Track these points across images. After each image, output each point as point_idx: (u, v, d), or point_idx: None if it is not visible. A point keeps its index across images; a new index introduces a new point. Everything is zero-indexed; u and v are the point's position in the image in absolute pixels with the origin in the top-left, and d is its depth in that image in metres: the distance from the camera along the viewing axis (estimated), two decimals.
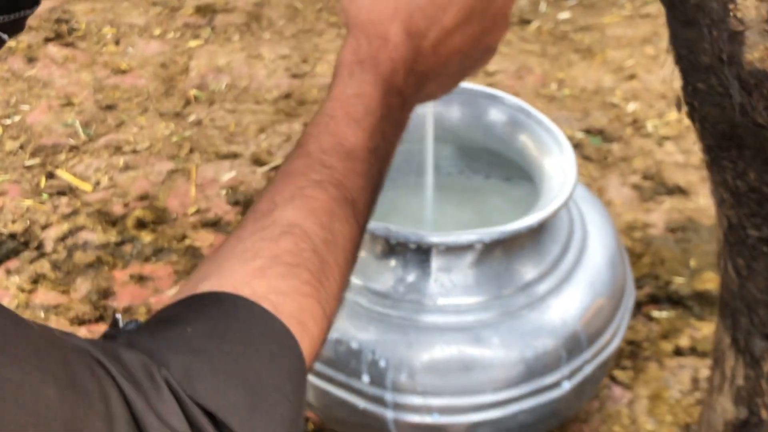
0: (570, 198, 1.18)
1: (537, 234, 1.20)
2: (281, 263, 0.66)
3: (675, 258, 1.61)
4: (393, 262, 1.18)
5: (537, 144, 1.27)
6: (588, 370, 1.19)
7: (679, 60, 0.81)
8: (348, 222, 0.73)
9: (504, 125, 1.30)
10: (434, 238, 1.13)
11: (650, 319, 1.51)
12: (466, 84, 1.31)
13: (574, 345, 1.18)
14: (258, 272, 0.65)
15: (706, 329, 1.48)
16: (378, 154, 0.78)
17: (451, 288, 1.17)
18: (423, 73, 0.82)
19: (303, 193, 0.71)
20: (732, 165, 0.83)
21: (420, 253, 1.16)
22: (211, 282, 0.64)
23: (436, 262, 1.17)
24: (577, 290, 1.21)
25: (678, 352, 1.46)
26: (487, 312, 1.16)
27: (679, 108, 0.87)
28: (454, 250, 1.15)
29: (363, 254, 1.19)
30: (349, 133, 0.76)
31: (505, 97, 1.29)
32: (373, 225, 1.13)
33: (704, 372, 1.42)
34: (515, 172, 1.36)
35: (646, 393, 1.40)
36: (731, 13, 0.71)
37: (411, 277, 1.18)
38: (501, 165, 1.39)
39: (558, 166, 1.22)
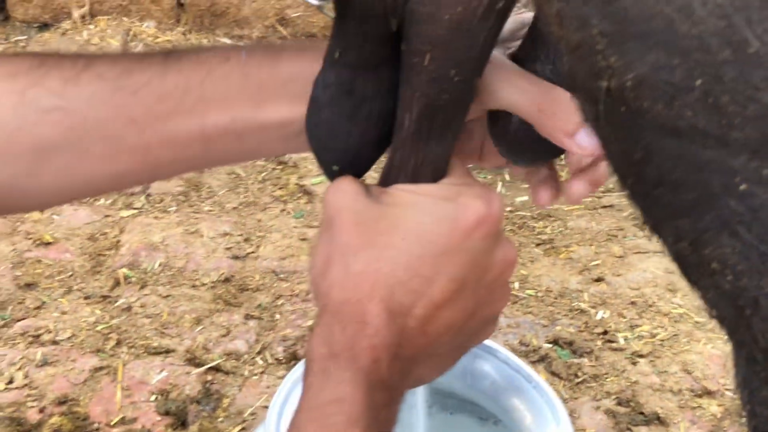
0: None
1: None
2: None
3: None
4: None
5: (528, 406, 1.11)
6: None
7: (753, 417, 0.65)
8: None
9: (492, 380, 1.14)
10: None
11: None
12: None
13: None
14: None
15: None
16: None
17: None
18: (411, 357, 0.68)
19: None
20: None
21: None
22: None
23: None
24: None
25: None
26: None
27: None
28: None
29: None
30: None
31: (498, 351, 1.14)
32: None
33: None
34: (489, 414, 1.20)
35: None
36: None
37: None
38: (477, 410, 1.23)
39: None
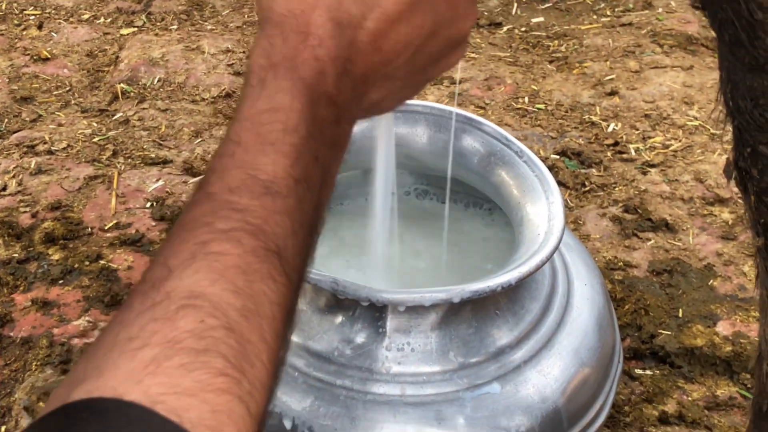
0: (555, 250, 0.97)
1: (514, 291, 0.99)
2: (182, 350, 0.48)
3: (660, 306, 1.41)
4: (339, 318, 0.97)
5: (518, 182, 1.06)
6: None
7: (737, 113, 0.59)
8: (274, 279, 0.54)
9: (480, 156, 1.09)
10: (391, 296, 0.92)
11: (632, 377, 1.31)
12: (437, 104, 1.10)
13: (554, 425, 0.98)
14: (150, 366, 0.46)
15: (696, 393, 1.29)
16: (309, 184, 0.59)
17: (408, 353, 0.96)
18: (362, 75, 0.64)
19: (207, 250, 0.52)
20: None
21: (373, 310, 0.95)
22: (87, 386, 0.45)
23: (392, 322, 0.95)
24: (559, 359, 1.00)
25: (663, 419, 1.25)
26: (451, 384, 0.96)
27: (729, 176, 0.68)
28: (414, 309, 0.94)
29: (302, 306, 0.98)
30: (263, 161, 0.58)
31: (484, 124, 1.08)
32: (316, 275, 0.91)
33: None
34: (485, 200, 1.16)
35: None
36: None
37: (360, 338, 0.97)
38: (469, 193, 1.19)
39: (542, 210, 1.02)
